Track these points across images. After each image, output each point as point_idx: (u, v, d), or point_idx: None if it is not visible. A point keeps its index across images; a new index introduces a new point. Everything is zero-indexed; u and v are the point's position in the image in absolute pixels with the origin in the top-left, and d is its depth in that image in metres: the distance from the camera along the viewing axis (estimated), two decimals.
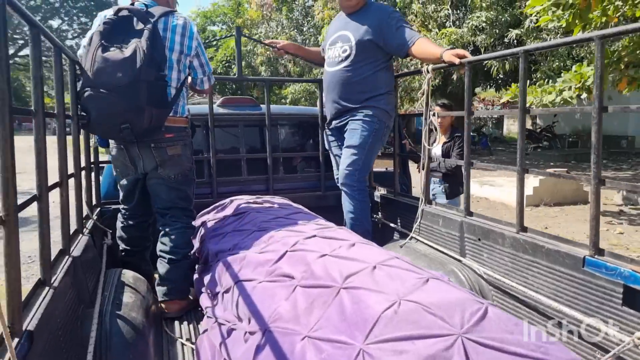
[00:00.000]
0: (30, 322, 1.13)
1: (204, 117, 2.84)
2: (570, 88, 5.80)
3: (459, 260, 2.13)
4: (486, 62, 10.41)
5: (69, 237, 1.73)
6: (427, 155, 2.50)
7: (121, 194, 2.35)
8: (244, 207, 2.39)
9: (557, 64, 9.38)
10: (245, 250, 1.85)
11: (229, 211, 2.44)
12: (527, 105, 6.19)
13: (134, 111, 1.91)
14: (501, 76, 10.53)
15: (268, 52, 16.19)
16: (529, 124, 17.06)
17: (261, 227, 2.03)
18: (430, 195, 3.92)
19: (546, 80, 6.21)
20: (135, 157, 2.15)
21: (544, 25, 5.58)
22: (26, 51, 39.82)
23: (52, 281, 1.38)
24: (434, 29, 10.76)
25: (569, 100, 5.73)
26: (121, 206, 2.38)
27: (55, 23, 37.73)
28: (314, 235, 1.76)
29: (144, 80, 1.89)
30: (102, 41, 1.91)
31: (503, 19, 9.57)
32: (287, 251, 1.65)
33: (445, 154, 3.69)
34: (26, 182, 10.13)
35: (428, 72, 2.41)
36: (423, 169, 3.74)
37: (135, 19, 2.01)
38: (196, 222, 2.58)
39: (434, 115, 2.43)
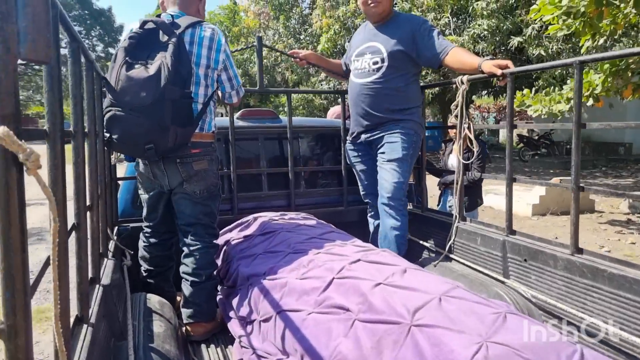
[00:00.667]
0: None
1: (224, 131, 2.73)
2: None
3: (502, 282, 2.02)
4: None
5: (98, 264, 1.60)
6: (460, 170, 2.40)
7: (145, 210, 2.24)
8: (271, 226, 2.27)
9: (559, 71, 9.34)
10: (284, 275, 1.73)
11: (254, 230, 2.32)
12: (534, 114, 6.07)
13: (158, 131, 1.82)
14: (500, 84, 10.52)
15: (265, 60, 16.16)
16: (525, 132, 17.06)
17: (296, 249, 1.92)
18: (447, 208, 3.87)
19: (552, 87, 6.17)
20: (160, 173, 2.05)
21: (553, 34, 5.52)
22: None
23: (89, 317, 1.25)
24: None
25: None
26: (144, 224, 2.27)
27: None
28: (359, 260, 1.65)
29: (169, 99, 1.80)
30: (127, 58, 1.82)
31: (504, 27, 9.55)
32: (333, 278, 1.54)
33: (463, 165, 3.60)
34: (34, 213, 9.79)
35: (462, 83, 2.32)
36: (445, 184, 3.68)
37: (161, 31, 1.91)
38: (218, 241, 2.46)
39: (468, 128, 2.33)
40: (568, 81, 6.02)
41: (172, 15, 2.01)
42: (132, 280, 2.29)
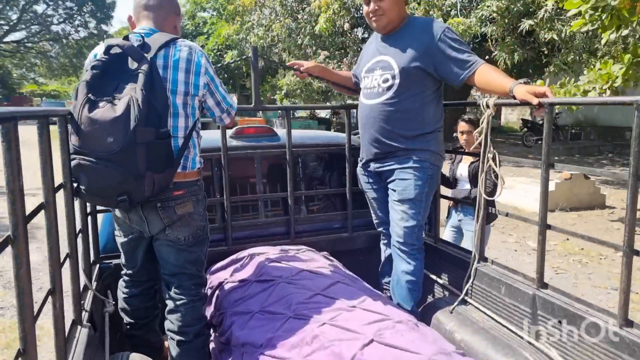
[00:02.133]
0: None
1: (216, 152, 2.44)
2: (594, 88, 5.44)
3: (531, 344, 1.77)
4: (494, 53, 10.03)
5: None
6: (482, 204, 2.12)
7: (122, 256, 1.97)
8: (269, 271, 2.01)
9: (572, 57, 8.96)
10: (284, 355, 1.48)
11: (250, 273, 2.06)
12: (556, 124, 5.74)
13: (132, 181, 1.54)
14: (507, 66, 10.11)
15: (262, 41, 15.65)
16: (528, 116, 16.66)
17: (298, 313, 1.66)
18: (457, 220, 3.60)
19: (567, 79, 5.82)
20: (138, 219, 1.77)
21: (577, 30, 5.16)
22: (12, 36, 38.82)
23: None
24: (438, 18, 10.30)
25: None
26: (122, 271, 2.00)
27: (40, 8, 36.61)
28: (372, 341, 1.39)
29: (142, 142, 1.51)
30: (89, 95, 1.51)
31: (515, 9, 9.09)
32: None
33: (473, 175, 3.32)
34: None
35: (488, 107, 2.03)
36: (457, 200, 3.40)
37: (129, 58, 1.60)
38: (209, 280, 2.20)
39: (493, 158, 2.05)
40: (585, 71, 5.66)
41: (142, 35, 1.69)
42: (116, 327, 2.04)
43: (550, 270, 5.01)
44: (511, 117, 23.42)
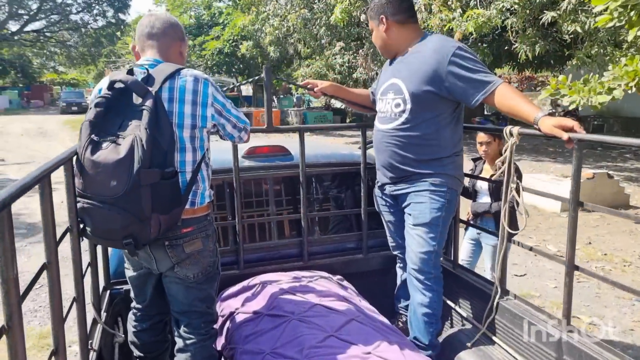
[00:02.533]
0: None
1: (227, 174, 2.37)
2: (619, 85, 5.22)
3: None
4: (515, 45, 9.73)
5: None
6: (505, 236, 2.02)
7: (131, 290, 1.93)
8: (281, 305, 1.94)
9: (595, 50, 8.62)
10: None
11: (262, 305, 2.00)
12: (570, 105, 5.53)
13: (137, 224, 1.48)
14: (528, 58, 9.82)
15: (277, 32, 15.50)
16: (549, 106, 16.21)
17: (310, 358, 1.59)
18: (475, 233, 3.48)
19: (591, 75, 5.58)
20: (146, 256, 1.72)
21: (602, 26, 4.95)
22: (32, 26, 39.26)
23: None
24: (457, 10, 10.02)
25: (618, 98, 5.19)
26: (132, 303, 1.96)
27: None
28: None
29: (146, 184, 1.45)
30: (92, 135, 1.45)
31: (537, 0, 8.78)
32: None
33: (495, 189, 3.19)
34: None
35: (512, 135, 1.91)
36: (476, 214, 3.29)
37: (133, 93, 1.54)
38: (219, 307, 2.15)
39: (516, 189, 1.94)
40: (610, 66, 5.42)
41: (146, 68, 1.62)
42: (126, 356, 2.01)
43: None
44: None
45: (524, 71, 15.02)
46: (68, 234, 1.51)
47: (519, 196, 1.91)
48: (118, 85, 1.54)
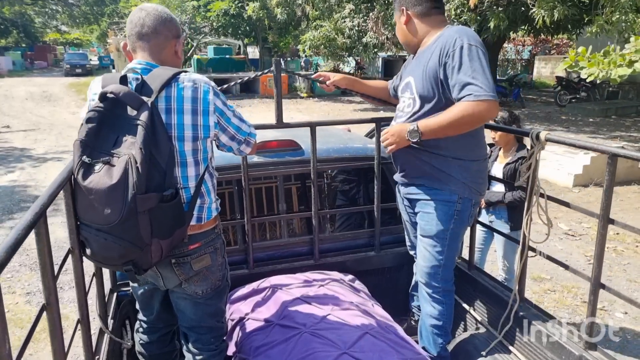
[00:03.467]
0: None
1: (236, 172, 2.28)
2: None
3: None
4: (532, 10, 9.32)
5: None
6: (527, 245, 1.93)
7: (137, 303, 1.86)
8: (291, 314, 1.90)
9: (617, 16, 8.23)
10: None
11: (272, 312, 1.96)
12: (588, 77, 5.26)
13: (136, 252, 1.39)
14: (546, 23, 9.41)
15: None
16: (563, 73, 15.71)
17: None
18: (487, 221, 3.38)
19: (612, 47, 5.32)
20: (152, 275, 1.64)
21: None
22: None
23: None
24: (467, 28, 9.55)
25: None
26: (139, 315, 1.90)
27: None
28: None
29: (143, 211, 1.34)
30: (84, 157, 1.33)
31: None
32: None
33: (509, 177, 3.07)
34: (40, 144, 9.77)
35: (538, 139, 1.79)
36: (489, 204, 3.18)
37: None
38: (228, 311, 2.11)
39: (542, 196, 1.84)
40: (632, 38, 5.15)
41: (139, 73, 1.48)
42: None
43: (583, 258, 4.82)
44: (544, 71, 22.26)
45: (539, 35, 14.50)
46: (70, 256, 1.44)
47: (544, 208, 1.81)
48: (110, 95, 1.40)
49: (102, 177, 1.31)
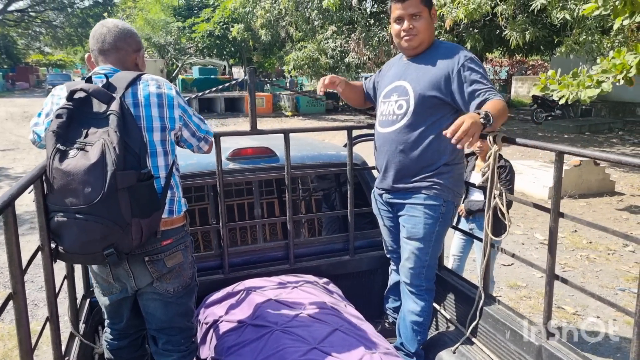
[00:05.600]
0: None
1: (210, 177, 2.34)
2: (607, 78, 5.22)
3: None
4: (505, 32, 9.66)
5: None
6: (488, 242, 2.03)
7: (105, 314, 1.84)
8: (264, 314, 1.94)
9: (584, 37, 8.60)
10: None
11: (246, 313, 2.00)
12: (559, 98, 5.49)
13: (118, 232, 1.43)
14: (519, 45, 9.76)
15: (268, 14, 15.24)
16: (539, 92, 16.17)
17: None
18: (467, 229, 3.47)
19: (580, 68, 5.57)
20: (124, 273, 1.66)
21: (589, 14, 4.92)
22: (15, 5, 38.14)
23: None
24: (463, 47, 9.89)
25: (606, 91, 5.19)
26: (108, 322, 1.87)
27: None
28: None
29: (123, 187, 1.40)
30: (58, 145, 1.39)
31: None
32: None
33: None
34: (19, 163, 9.61)
35: (495, 142, 1.90)
36: (470, 212, 3.26)
37: (95, 100, 1.48)
38: (202, 315, 2.15)
39: (500, 195, 1.94)
40: (598, 59, 5.40)
41: (105, 75, 1.56)
42: None
43: (558, 266, 4.93)
44: (521, 91, 22.89)
45: (514, 56, 14.99)
46: (39, 252, 1.47)
47: (502, 205, 1.91)
48: (79, 94, 1.47)
49: (79, 160, 1.37)
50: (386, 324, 2.49)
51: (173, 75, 23.64)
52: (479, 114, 1.72)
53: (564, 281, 1.72)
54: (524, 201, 1.97)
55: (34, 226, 5.77)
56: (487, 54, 14.09)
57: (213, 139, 1.87)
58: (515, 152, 10.26)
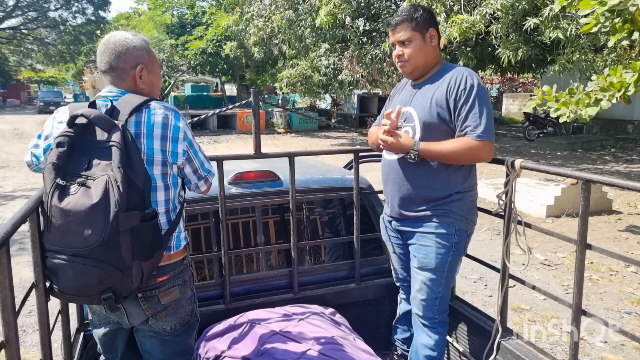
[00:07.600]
0: None
1: (213, 203, 2.24)
2: (605, 96, 5.21)
3: None
4: (498, 50, 9.74)
5: None
6: (507, 274, 1.93)
7: (99, 346, 1.73)
8: (269, 351, 1.82)
9: (577, 56, 8.69)
10: None
11: (249, 349, 1.88)
12: (560, 118, 5.48)
13: (117, 276, 1.33)
14: (511, 63, 9.86)
15: (261, 32, 15.28)
16: (531, 110, 16.33)
17: None
18: None
19: (576, 85, 5.57)
20: (117, 312, 1.55)
21: (587, 31, 4.95)
22: (8, 23, 38.10)
23: None
24: (441, 14, 9.98)
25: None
26: (102, 357, 1.76)
27: None
28: None
29: (125, 230, 1.31)
30: (57, 179, 1.29)
31: (520, 6, 8.80)
32: None
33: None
34: (9, 181, 9.48)
35: (513, 167, 1.82)
36: None
37: (97, 128, 1.38)
38: (203, 349, 2.02)
39: (519, 223, 1.85)
40: (594, 77, 5.42)
41: (110, 99, 1.47)
42: None
43: (561, 287, 4.85)
44: (512, 108, 23.11)
45: (506, 74, 15.13)
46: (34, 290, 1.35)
47: (521, 233, 1.82)
48: (80, 120, 1.38)
49: (80, 198, 1.27)
50: (395, 356, 2.38)
51: (165, 92, 23.57)
52: (415, 145, 1.85)
53: (591, 316, 1.63)
54: (548, 231, 1.87)
55: (23, 247, 5.57)
56: (479, 71, 14.22)
57: (212, 180, 1.75)
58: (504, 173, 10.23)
